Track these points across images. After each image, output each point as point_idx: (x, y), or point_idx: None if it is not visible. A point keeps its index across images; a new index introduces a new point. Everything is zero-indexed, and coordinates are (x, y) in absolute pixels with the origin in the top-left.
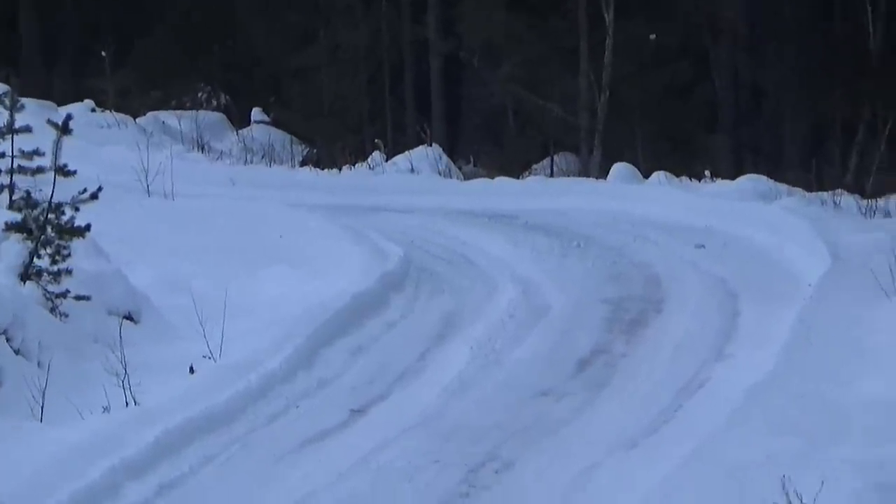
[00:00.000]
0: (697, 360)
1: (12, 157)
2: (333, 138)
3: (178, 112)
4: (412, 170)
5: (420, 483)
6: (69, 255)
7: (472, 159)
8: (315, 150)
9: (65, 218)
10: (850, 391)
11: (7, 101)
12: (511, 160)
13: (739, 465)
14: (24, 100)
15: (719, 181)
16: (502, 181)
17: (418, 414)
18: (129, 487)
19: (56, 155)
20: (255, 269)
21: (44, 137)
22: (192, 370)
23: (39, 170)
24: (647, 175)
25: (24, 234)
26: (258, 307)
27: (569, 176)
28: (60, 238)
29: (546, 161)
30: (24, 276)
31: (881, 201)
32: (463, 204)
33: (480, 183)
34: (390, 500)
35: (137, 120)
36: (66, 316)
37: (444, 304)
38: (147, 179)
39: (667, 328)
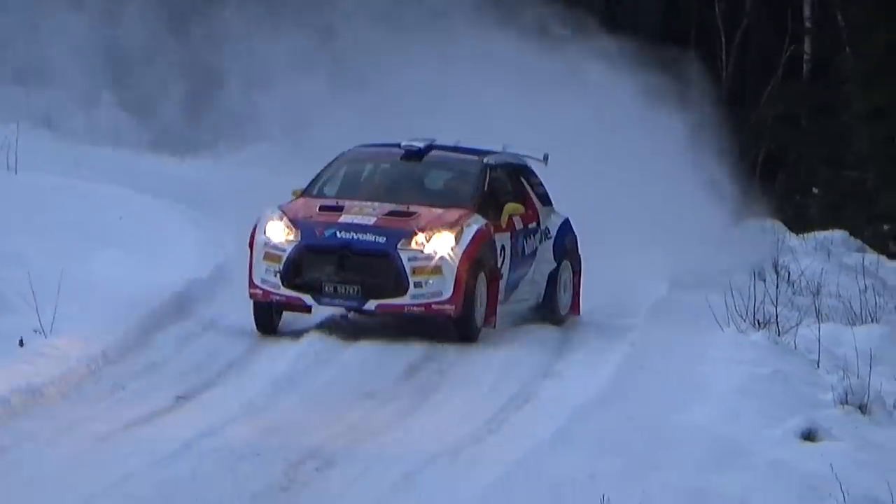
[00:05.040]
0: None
1: None
2: None
3: None
4: None
5: (240, 474)
6: None
7: None
8: None
9: None
10: (676, 418)
11: None
12: None
13: (561, 481)
14: None
15: None
16: None
17: (244, 405)
18: None
19: None
20: (93, 250)
21: None
22: (21, 343)
23: None
24: None
25: None
26: (94, 287)
27: None
28: None
29: None
30: None
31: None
32: None
33: None
34: (210, 488)
35: None
36: None
37: None
38: None
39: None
